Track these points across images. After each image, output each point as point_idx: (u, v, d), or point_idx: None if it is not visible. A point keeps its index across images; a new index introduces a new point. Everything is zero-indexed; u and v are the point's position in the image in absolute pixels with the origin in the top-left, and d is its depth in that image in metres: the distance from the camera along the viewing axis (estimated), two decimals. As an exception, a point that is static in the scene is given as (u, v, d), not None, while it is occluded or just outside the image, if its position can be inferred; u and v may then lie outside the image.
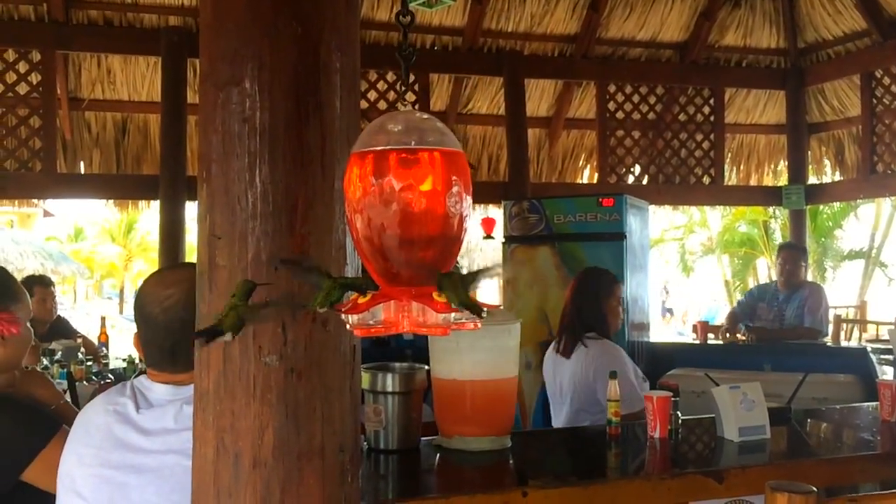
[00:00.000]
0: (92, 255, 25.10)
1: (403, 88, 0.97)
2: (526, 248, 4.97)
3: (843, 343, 6.50)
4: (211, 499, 1.10)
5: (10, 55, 5.70)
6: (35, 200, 10.23)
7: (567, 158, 7.40)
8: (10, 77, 5.67)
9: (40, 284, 4.61)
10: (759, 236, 15.01)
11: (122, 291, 26.73)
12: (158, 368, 1.52)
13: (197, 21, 5.91)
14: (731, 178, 7.67)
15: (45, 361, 4.03)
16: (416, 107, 0.97)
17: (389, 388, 2.44)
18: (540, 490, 2.05)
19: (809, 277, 7.53)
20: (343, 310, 0.90)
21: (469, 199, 0.90)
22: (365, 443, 2.37)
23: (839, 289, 13.75)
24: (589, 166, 7.48)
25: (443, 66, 6.61)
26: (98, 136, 6.38)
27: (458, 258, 0.97)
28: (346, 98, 1.14)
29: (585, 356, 3.23)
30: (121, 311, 23.36)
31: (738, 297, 10.17)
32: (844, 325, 7.41)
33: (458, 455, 2.43)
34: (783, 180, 7.68)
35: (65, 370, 3.91)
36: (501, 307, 3.81)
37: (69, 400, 3.18)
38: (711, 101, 7.16)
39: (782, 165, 7.80)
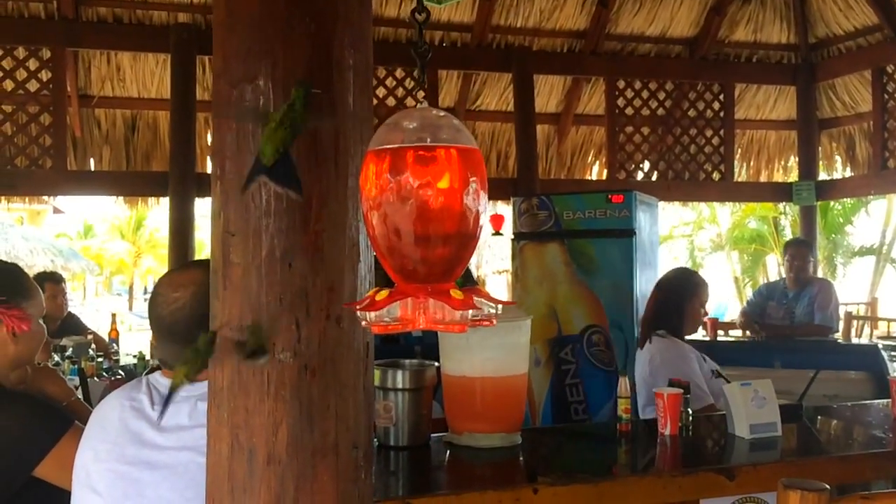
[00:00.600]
0: (101, 251, 25.21)
1: (420, 85, 0.97)
2: (535, 245, 4.96)
3: (854, 340, 6.46)
4: (225, 495, 1.10)
5: (21, 53, 5.72)
6: (45, 197, 10.28)
7: (576, 155, 7.39)
8: (21, 74, 5.70)
9: (51, 281, 4.63)
10: (769, 233, 14.94)
11: (131, 288, 26.85)
12: (170, 367, 1.53)
13: (206, 18, 5.92)
14: (740, 174, 7.64)
15: (56, 358, 4.05)
16: (425, 103, 0.97)
17: (399, 385, 2.45)
18: (550, 487, 2.05)
19: (820, 274, 7.50)
20: (360, 307, 0.90)
21: (485, 196, 0.90)
22: (375, 439, 2.37)
23: (850, 285, 13.69)
24: (598, 162, 7.47)
25: (451, 63, 6.61)
26: (108, 133, 6.40)
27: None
28: (359, 95, 1.14)
29: (648, 353, 3.29)
30: (130, 308, 23.48)
31: (748, 293, 10.14)
32: (855, 322, 7.38)
33: (469, 452, 2.43)
34: (793, 176, 7.64)
35: (76, 366, 3.93)
36: (515, 304, 3.82)
37: (81, 396, 3.20)
38: (721, 97, 7.13)
39: (793, 161, 7.77)
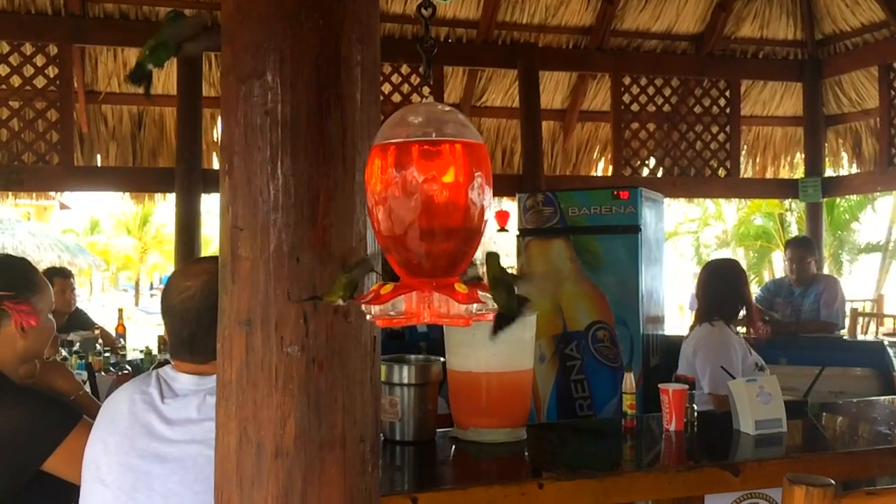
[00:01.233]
0: (108, 247, 25.30)
1: (426, 80, 0.98)
2: (540, 241, 4.96)
3: (860, 337, 6.46)
4: (234, 488, 1.11)
5: (28, 49, 5.74)
6: (52, 193, 10.31)
7: (581, 151, 7.38)
8: (28, 70, 5.71)
9: (60, 276, 4.65)
10: (774, 229, 14.92)
11: (137, 284, 26.93)
12: (180, 358, 1.55)
13: (213, 14, 5.93)
14: (746, 170, 7.62)
15: (64, 352, 4.07)
16: (431, 98, 0.97)
17: (405, 380, 2.46)
18: (555, 482, 2.06)
19: (826, 271, 7.49)
20: (365, 301, 0.91)
21: (490, 191, 0.90)
22: (381, 434, 2.38)
23: (856, 282, 13.66)
24: (603, 159, 7.46)
25: (457, 59, 6.60)
26: (114, 130, 6.41)
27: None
28: (366, 90, 1.14)
29: (695, 337, 3.33)
30: (136, 303, 23.55)
31: (755, 290, 10.10)
32: (861, 319, 7.36)
33: (474, 447, 2.44)
34: (799, 173, 7.62)
35: (83, 361, 3.95)
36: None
37: (88, 390, 3.21)
38: (727, 93, 7.11)
39: (799, 158, 7.74)
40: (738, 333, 3.41)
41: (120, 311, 5.64)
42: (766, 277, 14.50)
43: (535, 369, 2.98)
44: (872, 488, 1.53)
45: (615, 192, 4.77)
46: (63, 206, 24.62)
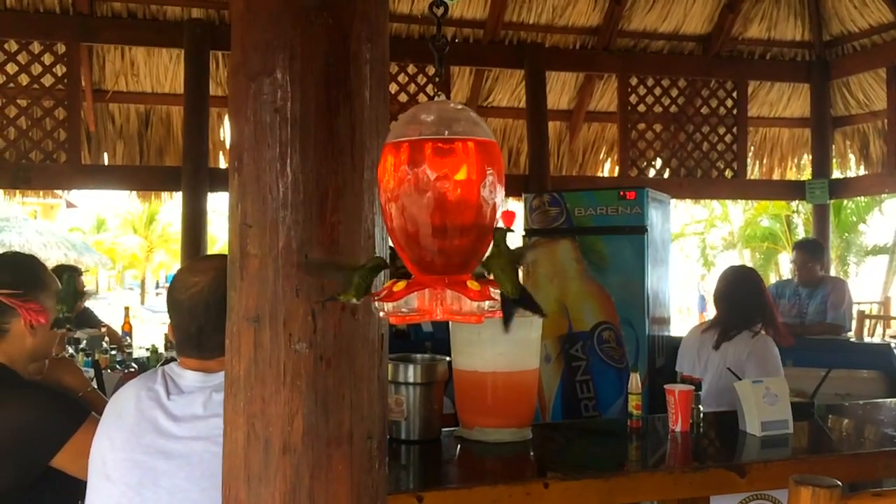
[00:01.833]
0: (114, 245, 25.38)
1: (435, 78, 0.98)
2: (546, 242, 4.96)
3: (867, 339, 6.44)
4: (241, 483, 1.11)
5: (36, 47, 5.76)
6: (59, 191, 10.34)
7: (588, 151, 7.37)
8: (36, 69, 5.73)
9: (70, 273, 4.66)
10: (781, 231, 14.89)
11: (143, 282, 27.01)
12: (186, 355, 1.55)
13: (220, 13, 5.95)
14: (753, 171, 7.60)
15: (71, 350, 4.09)
16: (442, 96, 0.97)
17: (411, 379, 2.46)
18: (561, 482, 2.06)
19: (833, 273, 7.47)
20: (378, 298, 0.91)
21: (501, 189, 0.91)
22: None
23: (863, 284, 13.62)
24: (610, 159, 7.45)
25: (464, 59, 6.59)
26: (121, 128, 6.43)
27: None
28: (375, 88, 1.15)
29: (747, 347, 3.23)
30: (142, 302, 23.61)
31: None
32: (868, 321, 7.34)
33: (479, 446, 2.45)
34: (807, 174, 7.60)
35: (90, 359, 3.97)
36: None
37: (96, 387, 3.22)
38: (734, 94, 7.09)
39: (806, 159, 7.73)
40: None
41: (126, 309, 5.66)
42: (773, 279, 14.46)
43: (541, 370, 2.99)
44: (879, 490, 1.52)
45: (621, 193, 4.77)
46: (69, 205, 24.71)
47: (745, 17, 6.93)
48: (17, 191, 6.60)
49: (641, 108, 6.88)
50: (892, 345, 4.83)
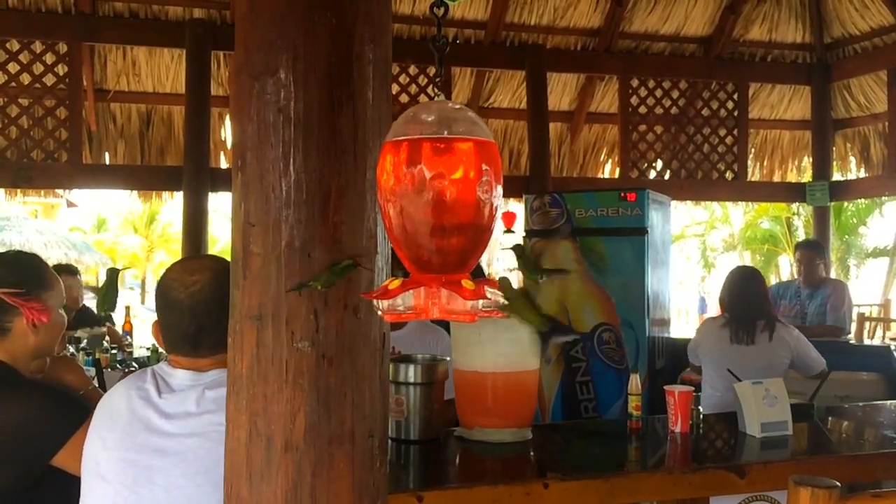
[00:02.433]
0: (114, 245, 25.36)
1: (439, 78, 0.98)
2: (547, 243, 4.97)
3: (867, 341, 6.44)
4: (244, 481, 1.12)
5: (38, 47, 5.76)
6: (59, 191, 10.33)
7: (589, 153, 7.38)
8: (38, 68, 5.74)
9: (67, 273, 4.66)
10: (781, 233, 14.90)
11: (143, 282, 26.98)
12: (181, 353, 1.54)
13: (221, 14, 5.96)
14: (754, 173, 7.61)
15: (72, 349, 4.09)
16: (442, 97, 0.98)
17: (411, 379, 2.46)
18: (561, 482, 2.06)
19: (833, 275, 7.47)
20: (374, 296, 0.91)
21: (500, 189, 0.91)
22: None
23: (863, 286, 13.62)
24: (610, 161, 7.45)
25: (465, 60, 6.60)
26: (123, 128, 6.44)
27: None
28: (378, 88, 1.15)
29: (788, 338, 3.55)
30: (142, 302, 23.58)
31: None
32: (868, 323, 7.34)
33: (479, 446, 2.45)
34: (807, 176, 7.61)
35: (90, 357, 3.97)
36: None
37: (98, 387, 3.22)
38: (735, 96, 7.09)
39: (806, 161, 7.73)
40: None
41: (127, 308, 5.67)
42: (773, 281, 14.46)
43: (541, 371, 2.99)
44: (878, 490, 1.53)
45: (622, 195, 4.77)
46: (70, 204, 24.68)
47: (746, 19, 6.94)
48: (19, 190, 6.60)
49: (642, 109, 6.89)
50: (892, 347, 4.84)
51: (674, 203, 5.87)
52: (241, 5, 1.15)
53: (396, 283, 0.91)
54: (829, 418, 3.02)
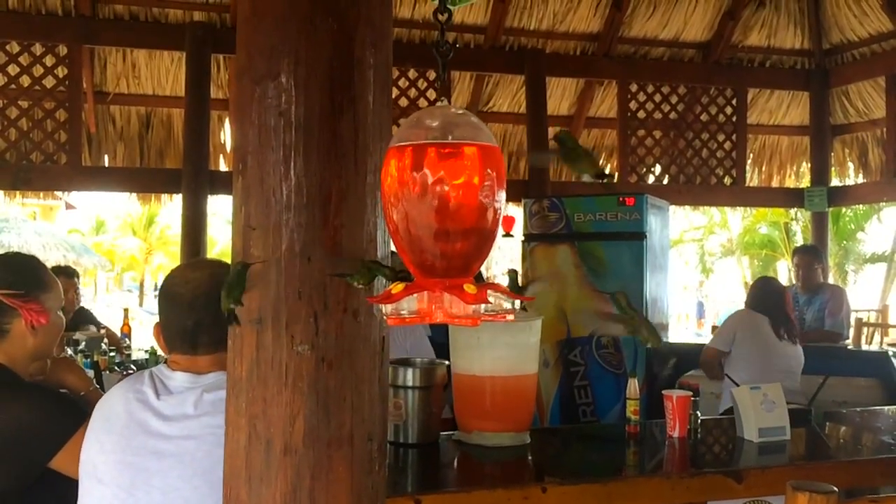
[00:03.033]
0: (113, 247, 25.36)
1: (441, 83, 0.99)
2: (545, 247, 4.97)
3: (865, 347, 6.45)
4: (243, 484, 1.12)
5: (38, 49, 5.77)
6: (58, 193, 10.33)
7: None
8: (38, 70, 5.74)
9: (64, 275, 4.66)
10: (779, 238, 14.92)
11: (142, 284, 26.97)
12: (180, 352, 1.54)
13: (222, 17, 5.96)
14: (752, 179, 7.62)
15: (70, 351, 4.09)
16: (445, 101, 0.99)
17: (410, 383, 2.46)
18: (559, 486, 2.06)
19: (831, 280, 7.47)
20: (376, 300, 0.92)
21: (503, 193, 0.92)
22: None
23: (861, 292, 13.63)
24: (609, 165, 7.46)
25: (464, 64, 6.61)
26: (122, 130, 6.44)
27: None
28: (378, 93, 1.16)
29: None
30: (140, 304, 23.58)
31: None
32: (866, 329, 7.34)
33: (478, 450, 2.45)
34: (805, 182, 7.62)
35: (89, 360, 3.97)
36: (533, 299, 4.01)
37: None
38: (734, 102, 7.11)
39: (805, 167, 7.74)
40: None
41: (125, 310, 5.66)
42: (771, 286, 14.45)
43: (539, 375, 3.00)
44: (876, 496, 1.53)
45: (621, 199, 4.78)
46: (69, 206, 24.68)
47: (745, 25, 6.95)
48: (18, 192, 6.60)
49: (641, 114, 6.90)
50: (890, 352, 4.84)
51: (672, 208, 5.88)
52: (244, 9, 1.15)
53: (399, 287, 0.91)
54: (827, 423, 3.03)
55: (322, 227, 1.10)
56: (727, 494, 2.23)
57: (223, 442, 1.20)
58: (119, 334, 5.06)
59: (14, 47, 5.72)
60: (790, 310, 4.10)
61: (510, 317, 0.92)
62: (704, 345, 4.32)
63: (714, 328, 6.80)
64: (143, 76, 6.32)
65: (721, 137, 7.08)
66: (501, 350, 2.47)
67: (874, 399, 4.11)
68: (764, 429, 2.57)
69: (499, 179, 0.90)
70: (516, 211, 6.50)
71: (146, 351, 4.66)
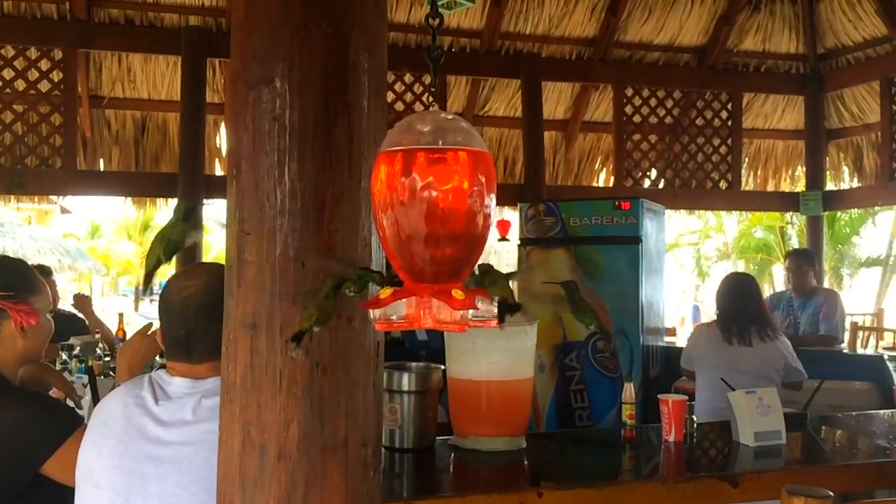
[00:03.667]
0: (108, 252, 25.29)
1: (431, 88, 0.99)
2: (541, 251, 4.98)
3: (860, 350, 6.45)
4: (237, 490, 1.11)
5: (33, 53, 5.76)
6: (54, 197, 10.30)
7: (583, 161, 7.40)
8: (33, 74, 5.74)
9: (40, 274, 4.62)
10: (775, 242, 14.93)
11: (137, 289, 26.89)
12: (176, 359, 1.54)
13: (217, 21, 5.96)
14: (748, 183, 7.64)
15: (64, 356, 4.07)
16: (436, 107, 0.98)
17: (405, 388, 2.46)
18: (554, 491, 2.06)
19: (826, 284, 7.49)
20: (366, 305, 0.92)
21: (493, 199, 0.92)
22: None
23: (856, 296, 13.65)
24: (605, 169, 7.47)
25: (460, 68, 6.63)
26: (118, 134, 6.44)
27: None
28: (373, 98, 1.15)
29: (777, 349, 3.57)
30: (136, 309, 23.49)
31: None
32: (861, 333, 7.35)
33: (473, 455, 2.45)
34: (801, 186, 7.64)
35: (83, 365, 3.95)
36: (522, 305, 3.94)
37: (90, 395, 3.22)
38: (729, 106, 7.13)
39: (800, 171, 7.77)
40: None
41: (120, 315, 5.64)
42: (767, 290, 14.50)
43: (535, 379, 3.00)
44: (871, 500, 1.53)
45: (616, 203, 4.79)
46: (64, 210, 24.64)
47: (740, 30, 6.98)
48: (12, 196, 6.58)
49: (637, 118, 6.92)
50: (886, 356, 4.85)
51: (668, 212, 5.89)
52: (238, 14, 1.15)
53: (388, 292, 0.91)
54: (823, 427, 3.03)
55: (316, 232, 1.10)
56: (723, 499, 2.23)
57: None
58: (115, 338, 5.04)
59: (9, 51, 5.72)
60: (756, 306, 3.69)
61: (494, 323, 0.91)
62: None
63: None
64: (139, 80, 6.32)
65: (716, 141, 7.10)
66: (497, 354, 2.47)
67: (869, 403, 4.11)
68: (759, 433, 2.57)
69: (489, 184, 0.90)
70: (512, 215, 6.51)
71: (141, 355, 4.63)
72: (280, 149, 1.10)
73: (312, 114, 1.10)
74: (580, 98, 7.09)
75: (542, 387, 4.80)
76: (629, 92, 6.91)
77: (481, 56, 6.56)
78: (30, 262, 2.08)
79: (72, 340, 4.32)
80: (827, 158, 7.52)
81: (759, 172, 7.78)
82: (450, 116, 0.95)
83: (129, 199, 6.80)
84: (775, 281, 15.19)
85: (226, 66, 6.27)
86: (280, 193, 1.09)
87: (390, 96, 6.31)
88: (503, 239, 7.22)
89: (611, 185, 7.09)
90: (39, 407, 1.75)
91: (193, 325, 1.50)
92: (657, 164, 7.00)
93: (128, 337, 5.30)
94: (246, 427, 1.11)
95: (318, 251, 1.09)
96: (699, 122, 7.07)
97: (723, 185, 7.10)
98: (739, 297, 3.67)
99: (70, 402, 2.20)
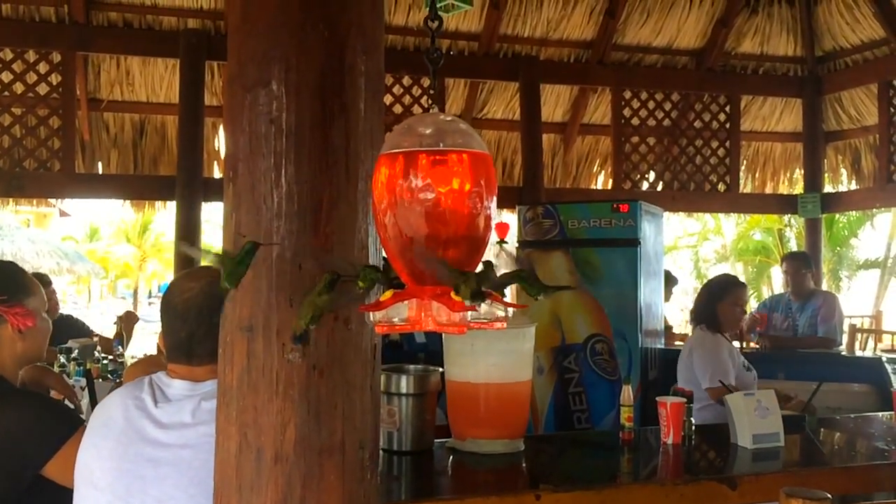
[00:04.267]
0: (107, 255, 25.28)
1: (430, 90, 0.99)
2: (540, 253, 4.98)
3: (858, 352, 6.46)
4: (233, 492, 1.11)
5: (32, 56, 5.76)
6: (52, 200, 10.30)
7: (582, 164, 7.40)
8: (31, 77, 5.73)
9: (41, 283, 4.61)
10: (773, 244, 14.94)
11: (135, 291, 26.88)
12: (176, 361, 1.54)
13: (215, 24, 5.97)
14: (746, 185, 7.65)
15: (62, 359, 4.07)
16: (435, 109, 0.99)
17: (404, 390, 2.46)
18: (552, 493, 2.06)
19: (824, 287, 7.50)
20: (366, 308, 0.91)
21: (494, 200, 0.91)
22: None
23: (854, 298, 13.66)
24: (603, 172, 7.48)
25: (459, 71, 6.63)
26: (116, 137, 6.44)
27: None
28: (370, 100, 1.15)
29: (689, 343, 3.71)
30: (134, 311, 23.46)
31: (753, 305, 10.13)
32: (859, 335, 7.36)
33: (472, 457, 2.44)
34: (799, 188, 7.65)
35: (81, 368, 3.95)
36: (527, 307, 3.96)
37: (87, 398, 3.22)
38: (727, 109, 7.14)
39: (798, 173, 7.77)
40: (726, 337, 3.69)
41: (118, 318, 5.63)
42: (765, 292, 14.51)
43: (533, 382, 2.99)
44: (870, 503, 1.53)
45: (615, 206, 4.78)
46: (63, 213, 24.64)
47: (738, 32, 6.99)
48: (11, 199, 6.58)
49: (635, 121, 6.92)
50: (884, 358, 4.85)
51: (666, 214, 5.89)
52: (235, 17, 1.15)
53: (388, 294, 0.91)
54: (821, 430, 3.03)
55: (313, 235, 1.10)
56: (721, 501, 2.23)
57: None
58: (113, 341, 5.03)
59: (7, 54, 5.71)
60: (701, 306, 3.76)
61: (498, 325, 0.91)
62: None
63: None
64: (137, 83, 6.32)
65: (715, 144, 7.11)
66: (495, 357, 2.47)
67: (868, 405, 4.11)
68: (758, 435, 2.57)
69: (489, 186, 0.90)
70: (511, 218, 6.50)
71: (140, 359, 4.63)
72: (277, 151, 1.10)
73: (309, 116, 1.10)
74: (578, 100, 7.10)
75: (541, 390, 4.79)
76: (627, 94, 6.92)
77: (480, 59, 6.56)
78: (28, 267, 2.08)
79: (70, 343, 4.32)
80: (825, 161, 7.53)
81: (757, 175, 7.79)
82: (449, 118, 0.95)
83: (128, 201, 6.80)
84: (774, 283, 15.19)
85: (224, 68, 6.27)
86: (277, 196, 1.09)
87: (388, 99, 6.31)
88: (502, 241, 7.22)
89: (609, 187, 7.09)
90: (40, 408, 1.75)
91: (195, 326, 1.50)
92: (655, 167, 7.00)
93: (127, 337, 5.31)
94: (243, 429, 1.10)
95: (315, 254, 1.09)
96: (697, 124, 7.08)
97: (721, 187, 7.10)
98: (711, 296, 3.76)
99: (69, 404, 2.20)
